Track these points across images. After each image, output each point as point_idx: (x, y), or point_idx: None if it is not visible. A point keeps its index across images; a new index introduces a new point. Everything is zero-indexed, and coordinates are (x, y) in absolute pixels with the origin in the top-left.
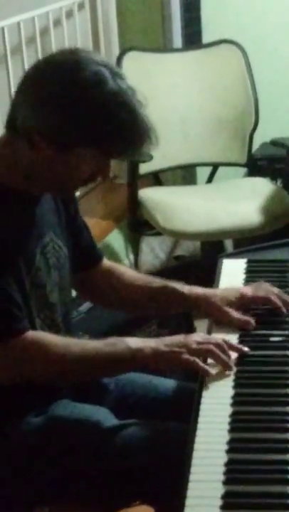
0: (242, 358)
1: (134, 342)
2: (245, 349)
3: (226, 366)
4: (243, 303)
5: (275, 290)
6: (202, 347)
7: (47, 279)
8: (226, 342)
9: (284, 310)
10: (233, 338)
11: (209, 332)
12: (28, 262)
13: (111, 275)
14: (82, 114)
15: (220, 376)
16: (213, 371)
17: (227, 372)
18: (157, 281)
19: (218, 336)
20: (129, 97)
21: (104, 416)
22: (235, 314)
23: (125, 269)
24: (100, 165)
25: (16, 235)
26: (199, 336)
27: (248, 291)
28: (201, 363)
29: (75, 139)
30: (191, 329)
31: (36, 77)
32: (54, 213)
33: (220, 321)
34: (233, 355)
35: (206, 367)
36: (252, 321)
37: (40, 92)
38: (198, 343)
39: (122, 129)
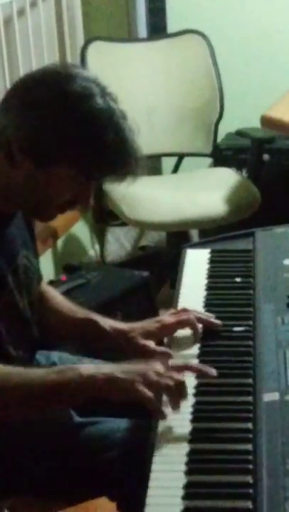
0: (205, 347)
1: (86, 368)
2: (212, 371)
3: (174, 408)
4: (164, 331)
5: (196, 313)
6: (162, 381)
7: (19, 299)
8: (190, 366)
9: (215, 323)
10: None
11: (169, 346)
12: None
13: (44, 297)
14: (66, 128)
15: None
16: (167, 414)
17: (191, 361)
18: (82, 312)
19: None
20: (118, 117)
21: (66, 414)
22: (152, 347)
23: (55, 294)
24: (81, 188)
25: None
26: (162, 365)
27: (169, 318)
28: (155, 403)
29: (55, 155)
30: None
31: (22, 88)
32: (24, 226)
33: (141, 356)
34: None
35: (161, 409)
36: (168, 350)
37: (24, 101)
38: (160, 374)
39: (108, 149)
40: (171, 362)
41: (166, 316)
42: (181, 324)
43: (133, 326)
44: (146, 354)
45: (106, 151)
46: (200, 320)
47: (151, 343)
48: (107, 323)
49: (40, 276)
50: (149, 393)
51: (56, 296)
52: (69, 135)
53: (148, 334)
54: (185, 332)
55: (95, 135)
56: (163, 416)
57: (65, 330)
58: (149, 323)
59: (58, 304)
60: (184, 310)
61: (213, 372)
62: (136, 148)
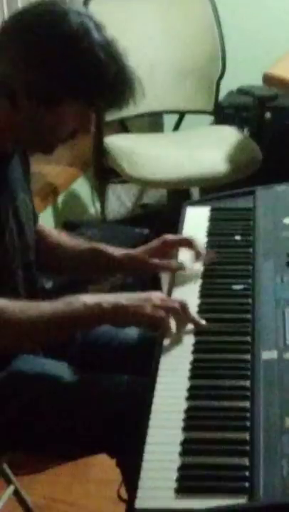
0: (204, 305)
1: (90, 298)
2: (203, 322)
3: (181, 326)
4: (166, 247)
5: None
6: (167, 304)
7: (19, 241)
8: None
9: (203, 253)
10: (195, 297)
11: (169, 293)
12: (1, 226)
13: (39, 236)
14: (69, 66)
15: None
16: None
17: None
18: (85, 243)
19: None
20: (116, 48)
21: (64, 370)
22: (157, 261)
23: (50, 230)
24: (84, 119)
25: None
26: (160, 293)
27: (171, 236)
28: (167, 320)
29: (62, 92)
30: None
31: (15, 30)
32: (20, 166)
33: (144, 272)
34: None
35: (171, 326)
36: (173, 262)
37: (21, 45)
38: (162, 300)
39: (110, 80)
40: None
41: (170, 235)
42: (182, 242)
43: (138, 250)
44: (148, 268)
45: (108, 82)
46: (196, 248)
47: (154, 260)
48: (114, 251)
49: (36, 218)
50: (158, 313)
51: (52, 232)
52: (72, 72)
53: (152, 251)
54: (185, 273)
55: (97, 69)
56: (170, 333)
57: (70, 263)
58: (152, 243)
59: (58, 239)
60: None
61: (203, 323)
62: (134, 74)
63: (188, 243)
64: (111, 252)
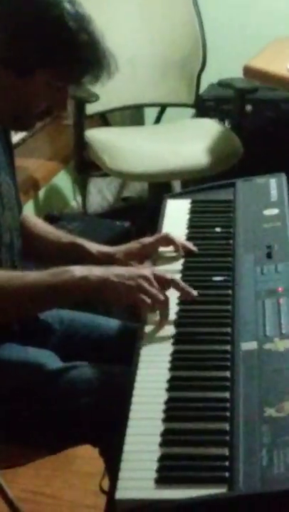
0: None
1: (79, 270)
2: (194, 293)
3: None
4: (145, 250)
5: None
6: (152, 290)
7: (3, 218)
8: (175, 283)
9: (192, 248)
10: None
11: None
12: None
13: (25, 225)
14: (40, 34)
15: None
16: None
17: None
18: (66, 237)
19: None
20: (88, 20)
21: (48, 358)
22: (133, 263)
23: (36, 221)
24: (58, 94)
25: None
26: (150, 270)
27: (148, 238)
28: (149, 307)
29: (33, 62)
30: None
31: None
32: (4, 151)
33: None
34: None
35: (151, 313)
36: (154, 269)
37: None
38: (150, 282)
39: (83, 50)
40: (157, 271)
41: (147, 238)
42: (160, 242)
43: (117, 249)
44: None
45: (80, 52)
46: (175, 244)
47: (134, 264)
48: (92, 246)
49: (20, 205)
50: (145, 300)
51: (37, 222)
52: (44, 41)
53: (131, 254)
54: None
55: (69, 38)
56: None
57: (49, 255)
58: (131, 245)
59: (41, 230)
60: (164, 233)
61: (194, 293)
62: (107, 47)
63: (166, 240)
64: (88, 248)
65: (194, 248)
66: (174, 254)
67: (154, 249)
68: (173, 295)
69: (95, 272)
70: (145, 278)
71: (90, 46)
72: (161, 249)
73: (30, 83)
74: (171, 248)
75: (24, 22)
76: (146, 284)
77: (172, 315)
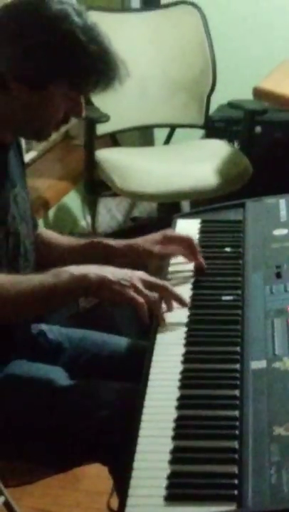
0: (194, 316)
1: (76, 269)
2: (186, 302)
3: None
4: (166, 241)
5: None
6: (147, 293)
7: (20, 228)
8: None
9: (200, 259)
10: (185, 308)
11: None
12: (3, 211)
13: (40, 238)
14: (52, 49)
15: (172, 334)
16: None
17: (178, 331)
18: (83, 240)
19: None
20: (97, 30)
21: (57, 375)
22: (157, 248)
23: (51, 233)
24: (73, 102)
25: None
26: (145, 275)
27: (171, 231)
28: (144, 309)
29: (48, 76)
30: None
31: (2, 21)
32: (18, 165)
33: (144, 260)
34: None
35: (146, 314)
36: (177, 248)
37: (9, 34)
38: (144, 281)
39: (94, 60)
40: (148, 277)
41: (170, 230)
42: (182, 241)
43: (137, 239)
44: (148, 255)
45: (91, 62)
46: (193, 247)
47: (155, 247)
48: (110, 240)
49: (34, 219)
50: (139, 299)
51: (52, 234)
52: (55, 54)
53: (151, 242)
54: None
55: (80, 50)
56: (146, 319)
57: (72, 261)
58: (152, 235)
59: (57, 239)
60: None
61: (185, 302)
62: (117, 55)
63: (187, 243)
64: (110, 243)
65: (204, 266)
66: (184, 273)
67: (174, 242)
68: (182, 314)
69: (93, 270)
70: (139, 279)
71: (101, 56)
72: (172, 268)
73: (46, 96)
74: (180, 264)
75: (35, 37)
76: (139, 284)
77: (182, 334)
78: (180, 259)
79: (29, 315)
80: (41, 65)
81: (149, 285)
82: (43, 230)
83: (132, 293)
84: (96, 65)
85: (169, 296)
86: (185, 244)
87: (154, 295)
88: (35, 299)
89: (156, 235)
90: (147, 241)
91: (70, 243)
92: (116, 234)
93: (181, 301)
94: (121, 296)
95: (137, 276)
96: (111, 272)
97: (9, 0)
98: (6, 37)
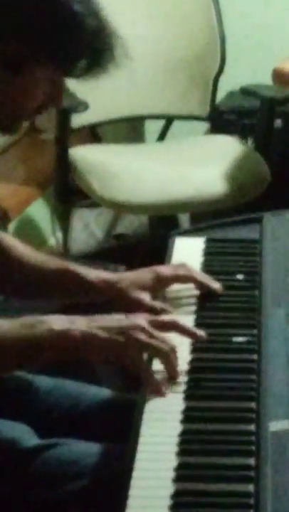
0: (196, 362)
1: (58, 322)
2: (201, 333)
3: (173, 376)
4: (159, 284)
5: (198, 272)
6: (151, 342)
7: None
8: (178, 325)
9: (214, 287)
10: (185, 352)
11: None
12: None
13: (1, 248)
14: (41, 19)
15: (168, 385)
16: (160, 379)
17: (176, 381)
18: (54, 262)
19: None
20: (95, 2)
21: (22, 434)
22: (148, 301)
23: (14, 242)
24: (56, 88)
25: None
26: (145, 318)
27: (166, 269)
28: (147, 368)
29: (32, 53)
30: None
31: None
32: None
33: (130, 310)
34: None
35: (154, 375)
36: (169, 307)
37: None
38: (146, 332)
39: (90, 37)
40: (151, 317)
41: (164, 267)
42: (180, 279)
43: (123, 276)
44: (140, 309)
45: (87, 39)
46: (197, 282)
47: (146, 296)
48: (90, 273)
49: None
50: (136, 356)
51: (16, 244)
52: (45, 27)
53: (140, 285)
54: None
55: (73, 21)
56: (156, 385)
57: (34, 284)
58: (141, 273)
59: (22, 253)
60: (182, 265)
61: (201, 334)
62: (117, 33)
63: (189, 280)
64: (84, 275)
65: (217, 286)
66: (183, 306)
67: (169, 285)
68: (182, 359)
69: (78, 325)
70: (140, 328)
71: (99, 32)
72: (168, 295)
73: (25, 76)
74: (178, 292)
75: (19, 3)
76: (143, 337)
77: (181, 385)
78: (176, 286)
79: None
80: (24, 40)
81: (154, 327)
82: (6, 237)
83: (125, 352)
84: (92, 44)
85: (183, 333)
86: (183, 280)
87: (164, 346)
88: (3, 353)
89: (147, 276)
90: (138, 286)
91: (36, 262)
92: (94, 255)
93: (196, 335)
94: (115, 354)
95: (136, 324)
96: (101, 326)
97: None
98: None
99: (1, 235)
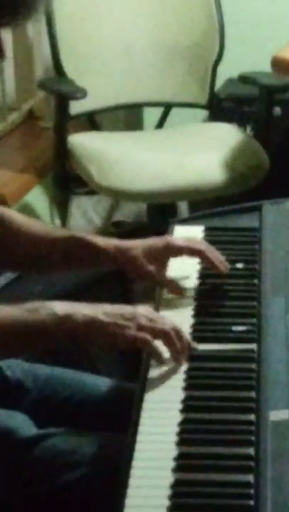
0: (197, 352)
1: (61, 307)
2: (196, 345)
3: (177, 358)
4: (170, 253)
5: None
6: (156, 325)
7: None
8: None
9: (222, 268)
10: (185, 326)
11: (157, 310)
12: None
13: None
14: None
15: (168, 374)
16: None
17: (176, 370)
18: (61, 231)
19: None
20: None
21: (20, 423)
22: (158, 275)
23: (13, 213)
24: None
25: None
26: (148, 310)
27: (179, 239)
28: (154, 344)
29: None
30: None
31: None
32: None
33: (140, 279)
34: None
35: (161, 351)
36: (179, 283)
37: None
38: (150, 319)
39: None
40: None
41: (176, 238)
42: (191, 251)
43: (134, 244)
44: (146, 277)
45: None
46: (207, 259)
47: (154, 270)
48: (99, 240)
49: None
50: (142, 335)
51: (14, 215)
52: None
53: (152, 253)
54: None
55: None
56: (163, 360)
57: (40, 253)
58: (152, 241)
59: (24, 224)
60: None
61: (196, 346)
62: None
63: (199, 254)
64: (94, 241)
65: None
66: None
67: (179, 255)
68: None
69: (83, 309)
70: (143, 315)
71: None
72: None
73: None
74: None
75: None
76: (144, 321)
77: (181, 375)
78: (179, 271)
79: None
80: None
81: (153, 327)
82: (4, 209)
83: (131, 332)
84: None
85: (177, 344)
86: (195, 254)
87: (168, 328)
88: (7, 337)
89: (157, 245)
90: (149, 254)
91: (45, 233)
92: None
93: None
94: (118, 339)
95: (140, 314)
96: (105, 312)
97: None
98: None
99: (1, 209)
